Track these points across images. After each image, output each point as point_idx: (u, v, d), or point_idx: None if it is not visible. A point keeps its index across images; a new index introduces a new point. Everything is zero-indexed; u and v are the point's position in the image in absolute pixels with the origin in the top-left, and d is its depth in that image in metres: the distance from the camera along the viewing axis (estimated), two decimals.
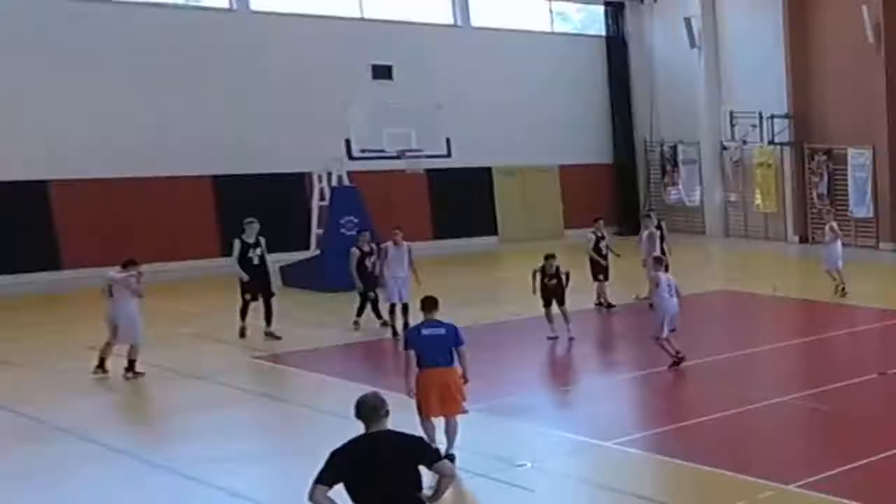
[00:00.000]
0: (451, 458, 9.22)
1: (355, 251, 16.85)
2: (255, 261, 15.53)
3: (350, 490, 5.69)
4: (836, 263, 20.34)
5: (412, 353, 9.72)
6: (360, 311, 16.92)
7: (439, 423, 9.86)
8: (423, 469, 5.86)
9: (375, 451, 5.72)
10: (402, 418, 6.13)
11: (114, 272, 13.70)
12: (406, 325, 15.37)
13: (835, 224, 21.13)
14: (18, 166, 22.23)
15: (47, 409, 12.18)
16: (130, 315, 13.60)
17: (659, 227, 19.71)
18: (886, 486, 9.21)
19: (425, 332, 9.82)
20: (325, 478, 5.63)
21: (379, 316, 16.96)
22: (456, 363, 9.88)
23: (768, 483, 9.17)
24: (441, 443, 9.66)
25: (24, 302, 20.33)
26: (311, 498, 5.61)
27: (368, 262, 16.65)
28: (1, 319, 18.28)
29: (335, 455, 5.74)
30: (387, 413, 5.81)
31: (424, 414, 9.76)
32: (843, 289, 20.16)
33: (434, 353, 9.70)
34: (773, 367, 14.46)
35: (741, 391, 12.54)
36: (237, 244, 15.64)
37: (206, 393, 13.04)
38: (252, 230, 15.59)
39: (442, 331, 9.83)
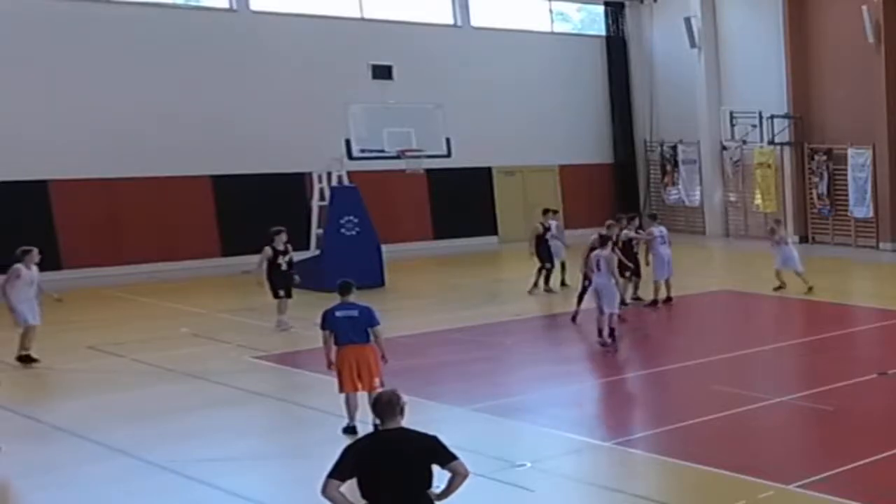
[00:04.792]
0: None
1: (538, 226, 20.31)
2: (284, 266, 16.67)
3: (362, 486, 5.69)
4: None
5: (328, 332, 10.60)
6: (536, 282, 20.30)
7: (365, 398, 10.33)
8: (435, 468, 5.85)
9: (389, 447, 5.72)
10: (411, 420, 6.09)
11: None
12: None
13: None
14: (18, 166, 22.24)
15: (47, 409, 12.19)
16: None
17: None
18: (886, 486, 9.20)
19: (339, 313, 10.65)
20: (339, 472, 5.64)
21: (547, 282, 20.31)
22: (373, 342, 10.64)
23: (768, 483, 9.15)
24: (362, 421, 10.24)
25: None
26: (324, 492, 5.61)
27: (548, 237, 20.18)
28: (0, 320, 18.23)
29: (349, 450, 5.75)
30: (402, 410, 5.83)
31: (341, 388, 10.67)
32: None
33: (348, 332, 10.55)
34: (773, 367, 14.44)
35: (741, 391, 12.52)
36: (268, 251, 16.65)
37: (206, 393, 13.03)
38: (280, 239, 16.66)
39: (355, 312, 10.64)
